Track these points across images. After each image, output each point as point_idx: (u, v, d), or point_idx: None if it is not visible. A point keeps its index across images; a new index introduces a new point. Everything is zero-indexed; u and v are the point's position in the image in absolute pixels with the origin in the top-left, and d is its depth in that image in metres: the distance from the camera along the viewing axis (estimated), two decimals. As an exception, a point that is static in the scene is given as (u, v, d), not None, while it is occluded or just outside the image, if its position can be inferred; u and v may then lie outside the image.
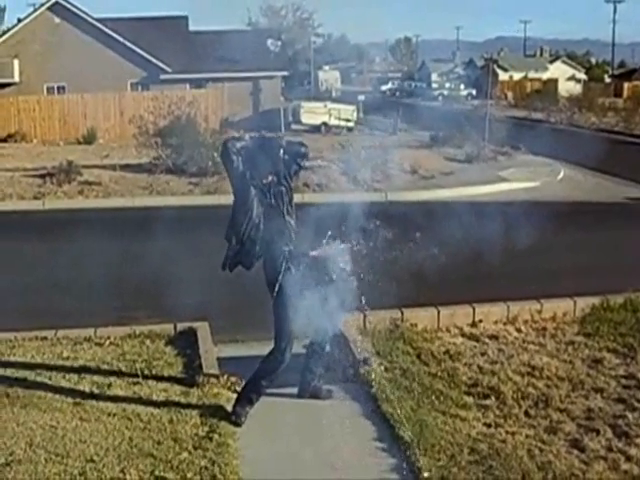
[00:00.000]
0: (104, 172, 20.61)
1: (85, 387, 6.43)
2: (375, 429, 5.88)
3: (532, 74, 71.88)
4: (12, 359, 7.06)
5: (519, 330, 8.08)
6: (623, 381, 6.77)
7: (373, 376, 6.62)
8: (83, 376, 6.64)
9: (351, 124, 32.42)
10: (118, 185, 19.36)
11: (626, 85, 63.60)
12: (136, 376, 6.63)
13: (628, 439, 5.69)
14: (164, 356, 7.16)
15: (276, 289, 5.80)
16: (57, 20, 32.99)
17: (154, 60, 32.99)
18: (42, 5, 34.06)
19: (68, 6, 33.03)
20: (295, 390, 6.38)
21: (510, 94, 61.15)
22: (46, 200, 17.88)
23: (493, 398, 6.31)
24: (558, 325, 8.21)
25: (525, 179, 21.30)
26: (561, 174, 22.46)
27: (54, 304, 9.51)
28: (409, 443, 5.50)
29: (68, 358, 7.09)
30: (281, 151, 5.90)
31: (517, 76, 71.30)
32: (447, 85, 65.58)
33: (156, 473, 5.09)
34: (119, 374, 6.71)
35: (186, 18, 36.82)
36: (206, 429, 5.72)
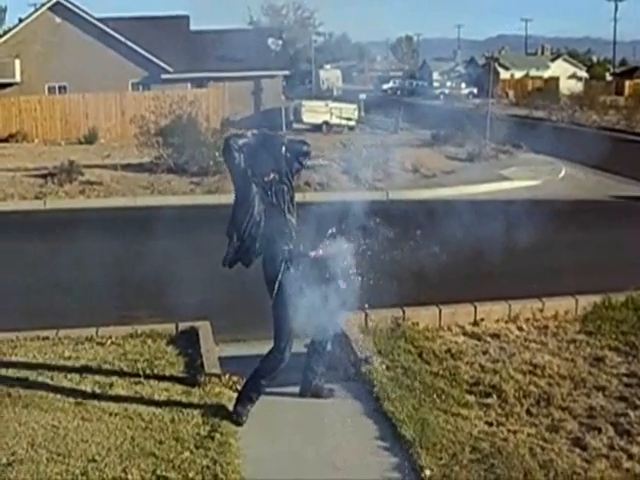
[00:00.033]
0: (105, 172, 20.60)
1: (87, 387, 6.43)
2: (377, 428, 5.88)
3: (533, 72, 71.83)
4: (14, 359, 7.06)
5: (521, 328, 8.07)
6: (625, 379, 6.77)
7: (375, 375, 6.62)
8: (85, 376, 6.64)
9: (352, 123, 32.43)
10: (119, 185, 19.37)
11: (627, 83, 63.62)
12: (138, 376, 6.63)
13: (630, 437, 5.69)
14: (166, 355, 7.16)
15: (275, 288, 5.80)
16: (58, 20, 33.02)
17: (155, 60, 33.01)
18: (43, 5, 34.08)
19: (69, 6, 33.08)
20: (297, 389, 6.37)
21: (511, 92, 61.10)
22: (47, 200, 17.89)
23: (495, 397, 6.31)
24: (560, 323, 8.20)
25: (526, 177, 21.29)
26: (562, 172, 22.44)
27: (55, 304, 9.51)
28: (411, 442, 5.50)
29: (70, 358, 7.09)
30: (283, 149, 5.89)
31: (518, 74, 71.22)
32: (448, 84, 65.60)
33: (158, 472, 5.09)
34: (121, 374, 6.71)
35: (187, 17, 36.88)
36: (208, 428, 5.72)
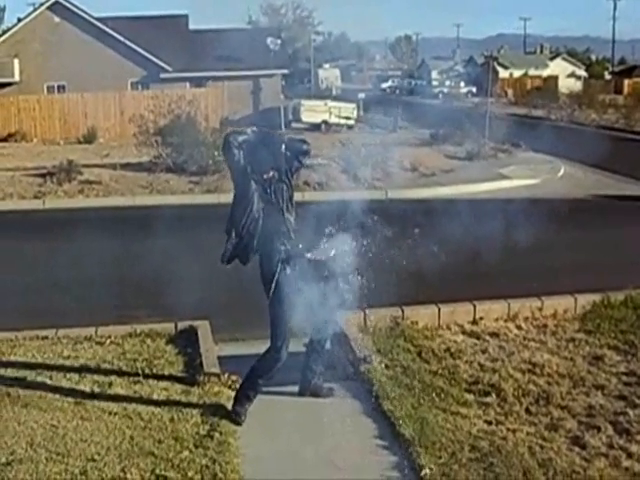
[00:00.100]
0: (104, 171, 20.60)
1: (86, 386, 6.42)
2: (376, 427, 5.88)
3: (532, 71, 71.87)
4: (13, 358, 7.06)
5: (520, 327, 8.07)
6: (624, 378, 6.77)
7: (374, 374, 6.62)
8: (84, 375, 6.63)
9: (351, 122, 32.42)
10: (118, 184, 19.36)
11: (626, 82, 63.63)
12: (137, 375, 6.63)
13: (629, 436, 5.69)
14: (165, 355, 7.16)
15: (272, 287, 5.79)
16: (57, 19, 32.99)
17: (154, 59, 32.98)
18: (42, 4, 34.05)
19: (68, 5, 33.04)
20: (296, 388, 6.37)
21: (510, 91, 61.10)
22: (46, 199, 17.89)
23: (494, 395, 6.31)
24: (559, 322, 8.20)
25: (525, 176, 21.29)
26: (561, 171, 22.45)
27: (54, 303, 9.51)
28: (410, 441, 5.50)
29: (69, 357, 7.09)
30: (283, 147, 5.88)
31: (517, 73, 71.24)
32: (447, 83, 65.69)
33: (157, 472, 5.09)
34: (120, 373, 6.71)
35: (186, 17, 36.85)
36: (207, 428, 5.71)
